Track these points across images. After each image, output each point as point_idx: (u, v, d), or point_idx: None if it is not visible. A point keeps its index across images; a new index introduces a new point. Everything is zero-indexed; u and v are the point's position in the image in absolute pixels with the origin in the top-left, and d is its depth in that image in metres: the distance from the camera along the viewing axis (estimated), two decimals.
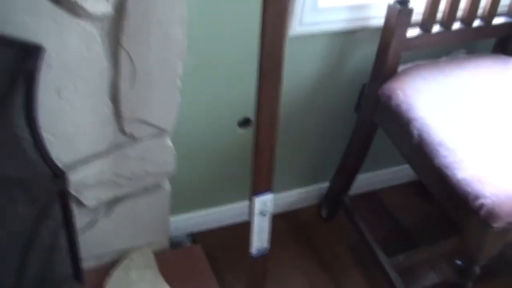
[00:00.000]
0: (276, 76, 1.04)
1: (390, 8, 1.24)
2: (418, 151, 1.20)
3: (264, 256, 1.30)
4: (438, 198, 1.18)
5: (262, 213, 1.23)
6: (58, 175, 1.15)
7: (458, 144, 1.15)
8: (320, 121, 1.54)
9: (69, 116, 1.12)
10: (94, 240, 1.37)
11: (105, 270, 1.42)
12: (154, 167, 1.30)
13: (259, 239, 1.26)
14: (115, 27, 1.05)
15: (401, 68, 1.35)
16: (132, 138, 1.23)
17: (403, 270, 1.47)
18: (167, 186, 1.38)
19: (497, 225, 1.06)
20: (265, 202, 1.21)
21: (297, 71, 1.39)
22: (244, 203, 1.59)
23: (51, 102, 1.08)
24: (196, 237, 1.60)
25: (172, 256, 1.50)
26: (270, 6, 0.94)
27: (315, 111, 1.51)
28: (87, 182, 1.25)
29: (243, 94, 1.35)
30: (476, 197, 1.07)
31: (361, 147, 1.48)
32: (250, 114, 1.43)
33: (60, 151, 1.17)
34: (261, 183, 1.17)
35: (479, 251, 1.11)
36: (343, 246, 1.64)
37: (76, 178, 1.22)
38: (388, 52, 1.29)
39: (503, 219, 1.05)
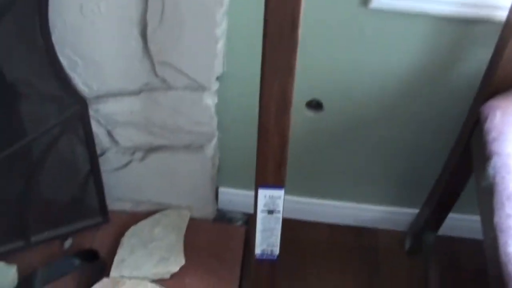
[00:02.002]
0: (289, 35, 0.78)
1: None
2: (485, 198, 0.85)
3: (271, 262, 1.08)
4: (488, 270, 0.82)
5: (269, 211, 1.00)
6: (75, 95, 1.10)
7: None
8: (416, 131, 1.21)
9: (93, 39, 1.04)
10: (128, 183, 1.31)
11: (137, 217, 1.35)
12: (187, 123, 1.16)
13: (265, 240, 1.05)
14: None
15: None
16: (165, 83, 1.11)
17: None
18: (209, 151, 1.23)
19: None
20: (273, 198, 0.99)
21: (386, 60, 1.09)
22: (306, 200, 1.38)
23: (73, 18, 1.01)
24: (250, 219, 1.43)
25: (209, 228, 1.36)
26: None
27: (410, 117, 1.19)
28: (117, 118, 1.17)
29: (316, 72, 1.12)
30: None
31: (456, 175, 1.13)
32: (320, 96, 1.18)
33: (88, 77, 1.11)
34: (267, 174, 0.95)
35: None
36: (404, 285, 1.30)
37: (105, 110, 1.16)
38: (503, 56, 0.92)
39: None
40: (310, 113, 1.21)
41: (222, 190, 1.39)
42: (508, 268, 0.73)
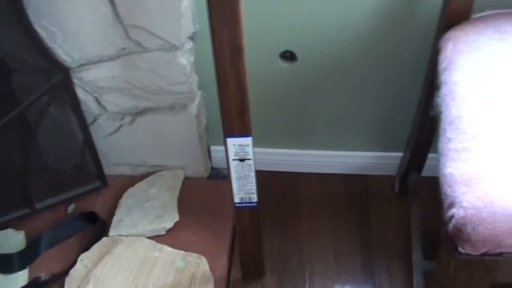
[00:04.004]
0: None
1: None
2: (434, 125, 0.87)
3: (252, 209, 1.13)
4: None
5: (240, 159, 1.05)
6: (57, 65, 1.17)
7: (476, 128, 0.78)
8: (390, 73, 1.22)
9: (66, 8, 1.10)
10: (122, 147, 1.37)
11: (135, 180, 1.41)
12: (166, 84, 1.21)
13: (241, 188, 1.09)
14: None
15: (476, 15, 0.97)
16: (140, 46, 1.16)
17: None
18: (192, 110, 1.28)
19: (465, 251, 0.71)
20: (242, 146, 1.03)
21: (351, 5, 1.11)
22: (295, 152, 1.42)
23: None
24: None
25: (202, 186, 1.42)
26: None
27: (382, 59, 1.20)
28: (101, 84, 1.24)
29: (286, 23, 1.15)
30: (451, 204, 0.73)
31: (427, 114, 1.14)
32: (293, 47, 1.21)
33: (68, 47, 1.17)
34: (232, 122, 0.99)
35: (445, 281, 0.77)
36: (394, 227, 1.33)
37: (89, 78, 1.22)
38: None
39: (476, 245, 0.70)
40: (285, 65, 1.24)
41: (214, 148, 1.44)
42: (443, 188, 0.75)
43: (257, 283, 1.26)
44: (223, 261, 1.27)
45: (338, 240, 1.32)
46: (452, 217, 0.72)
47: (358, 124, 1.34)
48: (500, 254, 0.71)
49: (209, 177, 1.46)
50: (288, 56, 1.23)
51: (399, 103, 1.28)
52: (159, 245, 1.27)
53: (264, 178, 1.42)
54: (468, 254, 0.72)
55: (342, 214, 1.37)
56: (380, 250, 1.30)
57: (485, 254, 0.71)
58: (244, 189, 1.10)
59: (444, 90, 0.87)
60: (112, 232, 1.31)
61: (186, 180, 1.42)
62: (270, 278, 1.27)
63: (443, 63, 0.91)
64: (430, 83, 1.07)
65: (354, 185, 1.43)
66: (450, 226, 0.72)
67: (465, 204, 0.71)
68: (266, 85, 1.28)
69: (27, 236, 1.32)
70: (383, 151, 1.40)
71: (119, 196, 1.38)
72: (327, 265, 1.28)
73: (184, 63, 1.18)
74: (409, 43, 1.16)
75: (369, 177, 1.44)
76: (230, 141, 1.02)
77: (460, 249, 0.72)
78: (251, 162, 1.05)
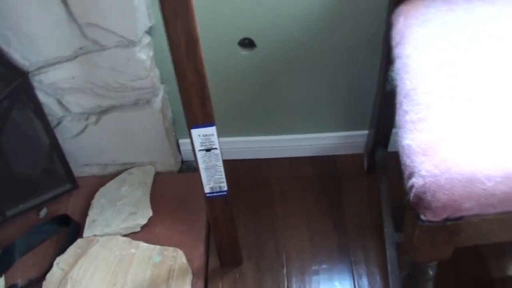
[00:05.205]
0: None
1: None
2: (390, 101, 0.89)
3: (223, 198, 1.14)
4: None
5: (206, 149, 1.05)
6: (15, 70, 1.16)
7: (431, 98, 0.80)
8: (348, 52, 1.24)
9: (18, 11, 1.08)
10: (90, 147, 1.37)
11: (106, 180, 1.41)
12: (127, 80, 1.21)
13: (210, 178, 1.10)
14: None
15: None
16: (97, 44, 1.15)
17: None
18: (156, 104, 1.28)
19: (427, 218, 0.73)
20: (206, 136, 1.03)
21: None
22: (263, 138, 1.43)
23: None
24: None
25: (174, 180, 1.42)
26: None
27: (339, 39, 1.21)
28: (62, 86, 1.23)
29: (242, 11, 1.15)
30: (410, 174, 0.74)
31: (385, 89, 1.16)
32: (252, 34, 1.21)
33: (24, 50, 1.15)
34: (195, 113, 0.99)
35: (411, 249, 0.79)
36: (366, 204, 1.35)
37: (48, 80, 1.21)
38: None
39: (437, 212, 0.72)
40: (245, 52, 1.24)
41: (182, 141, 1.45)
42: (403, 159, 0.77)
43: (235, 271, 1.27)
44: (199, 252, 1.27)
45: (311, 222, 1.34)
46: (412, 186, 0.73)
47: (322, 106, 1.36)
48: (461, 218, 0.73)
49: (180, 171, 1.46)
50: (247, 43, 1.24)
51: (360, 81, 1.29)
52: (134, 242, 1.27)
53: (234, 167, 1.43)
54: (430, 221, 0.73)
55: (314, 196, 1.39)
56: (354, 228, 1.32)
57: (446, 220, 0.73)
58: (213, 178, 1.10)
59: (398, 64, 0.88)
60: (86, 233, 1.30)
61: (157, 175, 1.42)
62: (248, 265, 1.28)
63: (395, 38, 0.93)
64: (386, 58, 1.08)
65: (324, 167, 1.45)
66: (411, 195, 0.74)
67: (423, 173, 0.72)
68: (227, 74, 1.28)
69: (0, 244, 1.30)
70: (350, 130, 1.42)
71: (91, 196, 1.38)
72: (303, 247, 1.30)
73: (144, 58, 1.18)
74: (364, 20, 1.18)
75: (338, 157, 1.46)
76: (195, 131, 1.03)
77: (422, 217, 0.73)
78: (217, 151, 1.06)
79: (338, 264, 1.27)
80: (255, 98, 1.34)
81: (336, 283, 1.23)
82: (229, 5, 1.16)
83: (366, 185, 1.39)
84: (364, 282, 1.22)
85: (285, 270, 1.26)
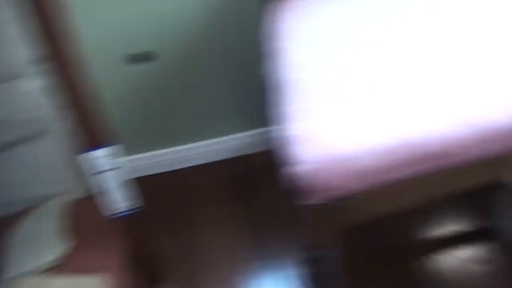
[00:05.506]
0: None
1: None
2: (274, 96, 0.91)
3: (137, 215, 1.13)
4: None
5: (105, 171, 1.04)
6: None
7: (314, 88, 0.83)
8: (239, 55, 1.26)
9: None
10: None
11: (15, 219, 1.36)
12: (19, 113, 1.18)
13: (120, 197, 1.09)
14: None
15: None
16: None
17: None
18: (54, 134, 1.25)
19: (313, 201, 0.76)
20: (108, 157, 1.02)
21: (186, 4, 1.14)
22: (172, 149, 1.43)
23: None
24: None
25: (84, 206, 1.38)
26: None
27: (228, 43, 1.24)
28: None
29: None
30: (294, 161, 0.77)
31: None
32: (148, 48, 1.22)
33: None
34: (93, 136, 0.99)
35: (309, 234, 0.82)
36: (281, 197, 1.39)
37: None
38: None
39: (321, 194, 0.75)
40: (141, 67, 1.24)
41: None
42: (287, 149, 0.80)
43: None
44: (124, 274, 1.25)
45: (231, 227, 1.35)
46: (296, 173, 0.76)
47: (224, 109, 1.38)
48: (344, 197, 0.76)
49: (91, 196, 1.43)
50: (143, 57, 1.23)
51: (254, 80, 1.32)
52: (52, 279, 1.23)
53: (149, 182, 1.42)
54: (317, 204, 0.76)
55: (228, 196, 1.41)
56: (269, 224, 1.34)
57: (331, 200, 0.76)
58: (123, 197, 1.10)
59: (280, 59, 0.91)
60: (4, 276, 1.25)
61: (68, 204, 1.38)
62: (175, 278, 1.28)
63: (273, 33, 0.96)
64: (266, 53, 1.11)
65: (237, 167, 1.47)
66: (297, 182, 0.76)
67: (305, 159, 0.75)
68: (129, 91, 1.28)
69: None
70: (256, 128, 1.45)
71: (2, 239, 1.32)
72: (223, 257, 1.31)
73: (30, 89, 1.15)
74: (246, 19, 1.20)
75: (250, 155, 1.48)
76: (95, 154, 1.02)
77: (310, 201, 0.76)
78: (122, 169, 1.05)
79: (256, 262, 1.29)
80: (158, 111, 1.34)
81: None
82: (120, 22, 1.16)
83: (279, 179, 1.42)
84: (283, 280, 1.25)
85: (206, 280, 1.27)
